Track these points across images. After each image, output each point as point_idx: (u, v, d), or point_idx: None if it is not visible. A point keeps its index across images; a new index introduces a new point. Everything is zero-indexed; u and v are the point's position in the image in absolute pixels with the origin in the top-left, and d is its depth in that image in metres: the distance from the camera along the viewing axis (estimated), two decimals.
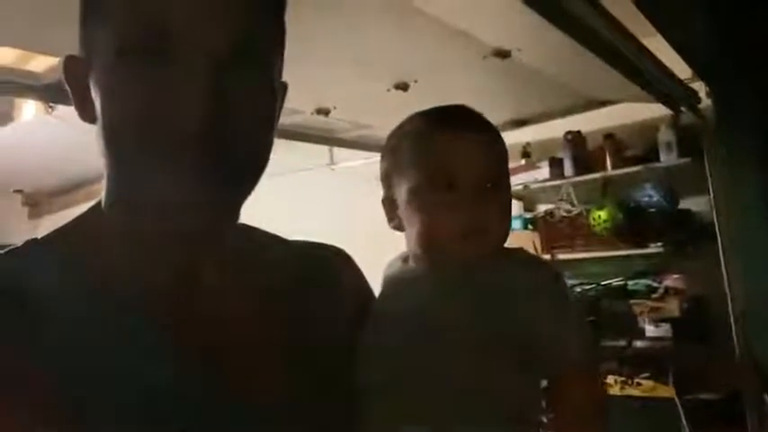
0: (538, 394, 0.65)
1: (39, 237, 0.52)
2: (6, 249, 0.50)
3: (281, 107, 0.57)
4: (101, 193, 0.54)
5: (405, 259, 0.71)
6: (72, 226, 0.54)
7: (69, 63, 0.52)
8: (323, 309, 0.60)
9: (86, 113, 0.51)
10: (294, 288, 0.60)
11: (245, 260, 0.58)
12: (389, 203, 0.71)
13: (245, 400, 0.50)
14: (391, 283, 0.70)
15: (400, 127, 0.72)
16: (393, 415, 0.60)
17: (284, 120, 2.74)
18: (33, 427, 0.42)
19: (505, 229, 0.68)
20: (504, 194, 0.69)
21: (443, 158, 0.66)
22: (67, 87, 0.52)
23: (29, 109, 2.97)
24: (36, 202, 4.85)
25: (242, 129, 0.48)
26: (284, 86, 0.57)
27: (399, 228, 0.70)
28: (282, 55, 0.55)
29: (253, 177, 0.52)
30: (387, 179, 0.72)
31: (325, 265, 0.66)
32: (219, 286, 0.54)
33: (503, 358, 0.61)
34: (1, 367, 0.43)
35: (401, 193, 0.68)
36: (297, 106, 2.26)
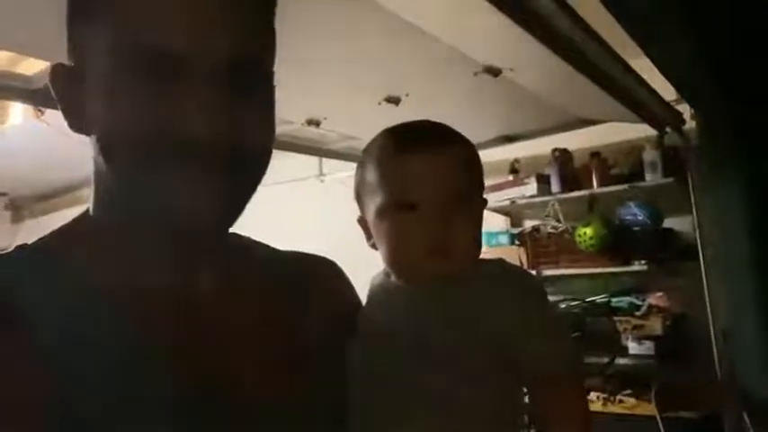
0: (518, 403, 0.65)
1: (28, 242, 0.51)
2: None
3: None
4: (86, 198, 0.54)
5: (386, 273, 0.71)
6: (62, 232, 0.53)
7: (58, 71, 0.51)
8: (313, 317, 0.61)
9: (77, 122, 0.51)
10: (285, 296, 0.61)
11: (238, 266, 0.58)
12: (363, 223, 0.70)
13: (240, 404, 0.50)
14: (373, 296, 0.70)
15: (369, 144, 0.71)
16: (376, 425, 0.61)
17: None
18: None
19: (475, 243, 0.67)
20: (473, 207, 0.68)
21: (403, 178, 0.65)
22: (55, 95, 0.51)
23: (17, 112, 2.94)
24: (19, 206, 4.80)
25: (247, 137, 0.49)
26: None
27: (375, 246, 0.69)
28: (274, 60, 0.56)
29: (256, 183, 0.54)
30: (358, 199, 0.71)
31: (316, 275, 0.66)
32: (213, 292, 0.54)
33: (480, 369, 0.61)
34: None
35: (369, 213, 0.68)
36: (287, 116, 2.27)
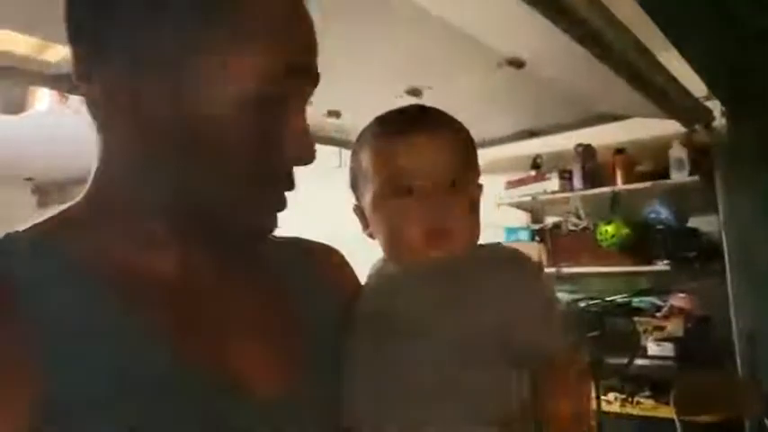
0: (520, 386, 0.63)
1: (19, 229, 0.50)
2: None
3: None
4: None
5: (386, 259, 0.70)
6: (54, 218, 0.52)
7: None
8: (313, 303, 0.61)
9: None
10: (286, 282, 0.61)
11: (244, 250, 0.58)
12: (360, 211, 0.70)
13: (244, 392, 0.50)
14: (371, 282, 0.70)
15: (362, 131, 0.70)
16: (375, 410, 0.60)
17: None
18: (26, 425, 0.41)
19: (473, 226, 0.66)
20: (469, 191, 0.67)
21: (397, 162, 0.64)
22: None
23: (44, 98, 2.99)
24: (45, 191, 4.88)
25: None
26: None
27: (372, 236, 0.69)
28: None
29: None
30: (353, 187, 0.70)
31: (316, 262, 0.67)
32: (213, 279, 0.54)
33: (480, 353, 0.60)
34: None
35: (365, 200, 0.68)
36: (308, 107, 2.26)
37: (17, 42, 1.78)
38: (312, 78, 0.53)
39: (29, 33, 1.67)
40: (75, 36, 0.50)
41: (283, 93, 0.50)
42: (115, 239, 0.51)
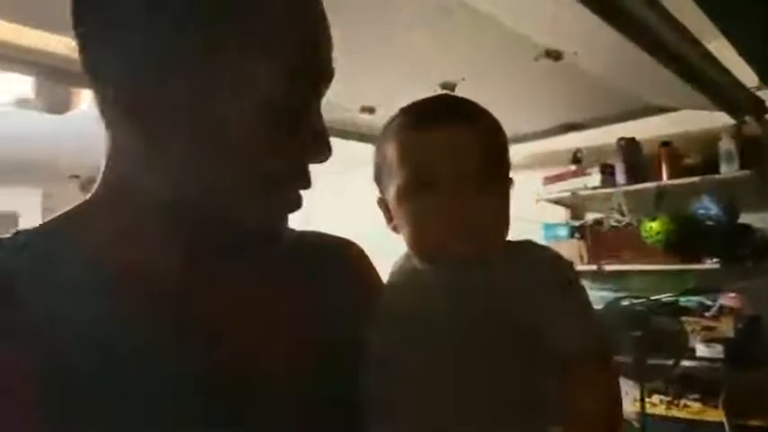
0: (551, 387, 0.61)
1: (27, 228, 0.51)
2: None
3: None
4: None
5: (408, 258, 0.68)
6: (65, 216, 0.53)
7: None
8: (332, 298, 0.59)
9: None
10: (305, 278, 0.59)
11: (254, 248, 0.57)
12: (384, 205, 0.67)
13: (254, 389, 0.49)
14: (394, 280, 0.68)
15: (387, 123, 0.67)
16: (400, 410, 0.59)
17: (330, 116, 2.75)
18: (33, 422, 0.41)
19: (502, 222, 0.64)
20: (498, 186, 0.64)
21: (422, 155, 0.62)
22: None
23: (88, 97, 3.07)
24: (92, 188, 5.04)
25: None
26: None
27: (396, 229, 0.67)
28: None
29: None
30: (377, 179, 0.68)
31: (338, 257, 0.65)
32: (228, 274, 0.53)
33: (510, 353, 0.59)
34: None
35: (389, 194, 0.65)
36: (343, 103, 2.25)
37: (59, 43, 1.82)
38: (327, 76, 0.52)
39: (69, 36, 1.71)
40: (82, 32, 0.49)
41: (298, 92, 0.49)
42: (121, 237, 0.51)
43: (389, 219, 0.67)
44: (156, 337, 0.47)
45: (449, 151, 0.61)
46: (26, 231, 0.50)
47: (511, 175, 0.67)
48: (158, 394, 0.45)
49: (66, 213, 0.53)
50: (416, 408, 0.59)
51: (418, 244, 0.64)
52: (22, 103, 2.74)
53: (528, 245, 0.66)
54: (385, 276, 0.69)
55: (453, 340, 0.60)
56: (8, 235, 0.50)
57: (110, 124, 0.51)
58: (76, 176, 4.89)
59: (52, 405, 0.42)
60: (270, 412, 0.49)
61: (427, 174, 0.61)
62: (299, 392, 0.52)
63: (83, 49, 0.49)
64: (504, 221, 0.64)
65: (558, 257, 0.65)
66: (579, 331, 0.61)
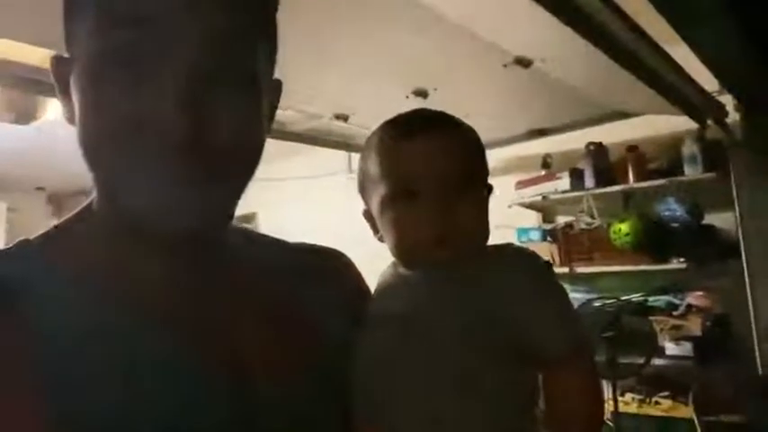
0: (531, 386, 0.64)
1: (30, 237, 0.51)
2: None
3: (274, 106, 0.57)
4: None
5: (395, 266, 0.71)
6: (63, 225, 0.53)
7: (55, 62, 0.50)
8: (322, 310, 0.60)
9: (69, 115, 0.50)
10: (293, 289, 0.60)
11: (243, 261, 0.58)
12: (368, 216, 0.70)
13: (244, 400, 0.49)
14: (381, 287, 0.70)
15: (369, 136, 0.71)
16: (387, 413, 0.61)
17: (303, 124, 2.75)
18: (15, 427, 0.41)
19: (481, 227, 0.66)
20: (476, 192, 0.67)
21: (403, 166, 0.65)
22: (56, 86, 0.51)
23: (53, 108, 3.01)
24: (59, 200, 4.93)
25: (224, 134, 0.46)
26: (277, 84, 0.56)
27: (382, 239, 0.69)
28: (274, 53, 0.54)
29: (240, 179, 0.51)
30: (362, 192, 0.71)
31: (323, 266, 0.66)
32: (215, 287, 0.54)
33: (491, 354, 0.60)
34: None
35: (373, 205, 0.68)
36: (316, 111, 2.26)
37: (27, 53, 1.79)
38: (169, 50, 0.45)
39: (38, 44, 1.68)
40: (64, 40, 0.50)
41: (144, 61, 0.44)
42: (109, 246, 0.51)
43: (375, 229, 0.69)
44: (153, 353, 0.47)
45: (428, 161, 0.64)
46: (27, 241, 0.51)
47: (489, 181, 0.70)
48: (156, 397, 0.45)
49: (65, 222, 0.53)
50: (404, 408, 0.61)
51: (402, 251, 0.66)
52: None
53: (507, 248, 0.68)
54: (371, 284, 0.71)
55: (438, 342, 0.61)
56: (14, 244, 0.50)
57: None
58: (42, 188, 4.79)
59: (52, 403, 0.42)
60: (266, 413, 0.50)
61: (408, 183, 0.64)
62: (293, 394, 0.52)
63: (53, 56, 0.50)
64: (483, 226, 0.67)
65: (537, 259, 0.67)
66: (562, 331, 0.63)
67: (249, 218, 4.35)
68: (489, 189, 0.70)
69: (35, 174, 4.16)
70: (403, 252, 0.66)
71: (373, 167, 0.67)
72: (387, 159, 0.66)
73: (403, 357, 0.62)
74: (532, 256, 0.67)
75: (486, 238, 0.67)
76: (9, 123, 3.04)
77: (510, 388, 0.61)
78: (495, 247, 0.67)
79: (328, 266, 0.67)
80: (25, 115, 2.99)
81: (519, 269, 0.64)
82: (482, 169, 0.69)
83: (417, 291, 0.65)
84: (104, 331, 0.46)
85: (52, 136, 3.18)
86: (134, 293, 0.49)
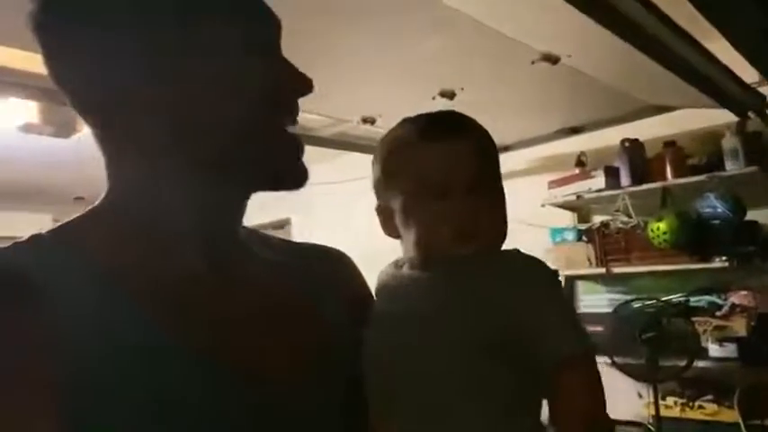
0: (535, 390, 0.66)
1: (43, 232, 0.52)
2: (12, 243, 0.50)
3: None
4: None
5: (397, 265, 0.74)
6: (78, 222, 0.55)
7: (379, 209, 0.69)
8: (326, 304, 0.63)
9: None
10: (299, 283, 0.62)
11: (257, 260, 0.61)
12: (383, 211, 0.73)
13: (258, 395, 0.51)
14: (385, 287, 0.73)
15: (389, 134, 0.74)
16: (391, 415, 0.63)
17: (331, 129, 2.76)
18: (38, 421, 0.42)
19: (500, 230, 0.70)
20: (497, 196, 0.71)
21: (434, 167, 0.68)
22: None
23: None
24: None
25: None
26: None
27: (394, 235, 0.72)
28: None
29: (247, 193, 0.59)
30: (378, 187, 0.74)
31: (331, 265, 0.70)
32: (229, 282, 0.56)
33: (495, 355, 0.62)
34: (8, 361, 0.43)
35: (395, 201, 0.70)
36: (343, 115, 2.26)
37: None
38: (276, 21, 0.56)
39: None
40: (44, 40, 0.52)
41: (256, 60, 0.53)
42: (132, 239, 0.53)
43: (386, 225, 0.72)
44: (168, 347, 0.48)
45: (457, 164, 0.68)
46: (41, 235, 0.52)
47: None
48: (169, 392, 0.46)
49: (80, 218, 0.55)
50: (412, 407, 0.63)
51: (425, 245, 0.69)
52: (27, 128, 2.76)
53: (514, 253, 0.71)
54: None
55: (444, 342, 0.64)
56: (25, 239, 0.51)
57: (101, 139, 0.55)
58: (81, 198, 4.93)
59: (74, 396, 0.43)
60: (281, 409, 0.51)
61: (437, 184, 0.67)
62: (306, 391, 0.54)
63: (47, 58, 0.51)
64: (505, 225, 0.71)
65: (542, 265, 0.69)
66: (565, 336, 0.65)
67: (283, 223, 4.43)
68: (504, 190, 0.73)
69: (75, 184, 4.29)
70: (426, 246, 0.69)
71: (399, 164, 0.70)
72: (417, 158, 0.69)
73: (410, 357, 0.64)
74: (537, 262, 0.69)
75: (505, 237, 0.70)
76: (49, 137, 3.14)
77: (515, 389, 0.64)
78: (503, 251, 0.70)
79: (333, 265, 0.71)
80: (65, 128, 3.08)
81: (524, 274, 0.67)
82: (499, 170, 0.73)
83: (423, 290, 0.68)
84: (124, 327, 0.47)
85: (90, 147, 3.26)
86: (154, 286, 0.50)
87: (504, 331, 0.63)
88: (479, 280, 0.66)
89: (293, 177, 0.57)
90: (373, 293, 0.72)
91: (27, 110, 2.73)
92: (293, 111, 0.57)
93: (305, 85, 0.56)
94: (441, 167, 0.67)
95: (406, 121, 0.73)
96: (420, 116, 0.72)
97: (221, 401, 0.48)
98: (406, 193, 0.68)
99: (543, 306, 0.65)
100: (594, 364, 0.67)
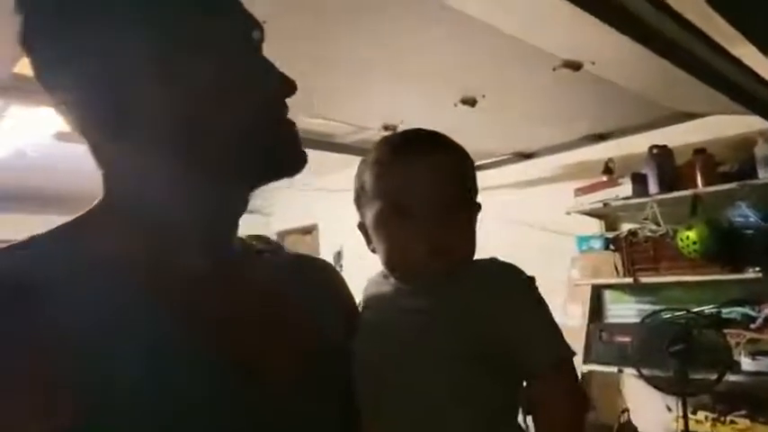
0: (514, 398, 0.67)
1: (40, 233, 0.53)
2: (9, 245, 0.50)
3: None
4: None
5: (385, 275, 0.75)
6: (77, 222, 0.55)
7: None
8: (324, 310, 0.64)
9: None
10: (298, 287, 0.64)
11: (254, 264, 0.62)
12: (363, 228, 0.74)
13: (258, 394, 0.51)
14: (371, 297, 0.74)
15: (369, 152, 0.75)
16: (381, 422, 0.65)
17: (353, 136, 2.77)
18: (48, 419, 0.42)
19: (469, 245, 0.71)
20: (466, 211, 0.71)
21: (399, 183, 0.69)
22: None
23: None
24: None
25: None
26: None
27: (375, 251, 0.73)
28: None
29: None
30: (357, 205, 0.75)
31: (320, 273, 0.72)
32: (230, 281, 0.57)
33: (479, 365, 0.64)
34: (7, 362, 0.43)
35: (367, 218, 0.72)
36: (365, 123, 2.27)
37: None
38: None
39: None
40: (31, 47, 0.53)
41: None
42: (134, 239, 0.54)
43: (368, 241, 0.74)
44: (168, 345, 0.49)
45: (422, 181, 0.68)
46: (41, 236, 0.52)
47: (479, 199, 0.75)
48: (171, 390, 0.47)
49: (79, 218, 0.56)
50: (397, 415, 0.65)
51: (395, 263, 0.71)
52: (61, 136, 2.85)
53: (491, 262, 0.72)
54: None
55: (423, 352, 0.65)
56: (22, 240, 0.51)
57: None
58: None
59: (81, 394, 0.44)
60: (281, 409, 0.52)
61: (404, 199, 0.68)
62: (305, 388, 0.55)
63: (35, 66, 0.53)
64: (471, 242, 0.72)
65: (519, 273, 0.70)
66: (543, 345, 0.66)
67: (310, 228, 4.43)
68: (478, 207, 0.74)
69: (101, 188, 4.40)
70: (394, 264, 0.70)
71: (369, 183, 0.72)
72: (382, 177, 0.70)
73: (397, 367, 0.66)
74: (514, 271, 0.70)
75: (473, 253, 0.71)
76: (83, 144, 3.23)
77: (499, 396, 0.65)
78: (479, 261, 0.71)
79: (321, 273, 0.72)
80: None
81: (501, 284, 0.68)
82: (472, 189, 0.74)
83: (406, 302, 0.70)
84: (125, 326, 0.48)
85: None
86: (152, 284, 0.51)
87: (486, 341, 0.64)
88: (459, 291, 0.67)
89: (292, 163, 0.58)
90: (360, 301, 0.75)
91: (60, 118, 2.81)
92: (285, 108, 0.58)
93: (291, 86, 0.57)
94: (403, 186, 0.68)
95: (381, 139, 0.76)
96: (394, 135, 0.75)
97: (221, 399, 0.49)
98: (376, 209, 0.70)
99: (521, 315, 0.66)
100: (573, 370, 0.68)
